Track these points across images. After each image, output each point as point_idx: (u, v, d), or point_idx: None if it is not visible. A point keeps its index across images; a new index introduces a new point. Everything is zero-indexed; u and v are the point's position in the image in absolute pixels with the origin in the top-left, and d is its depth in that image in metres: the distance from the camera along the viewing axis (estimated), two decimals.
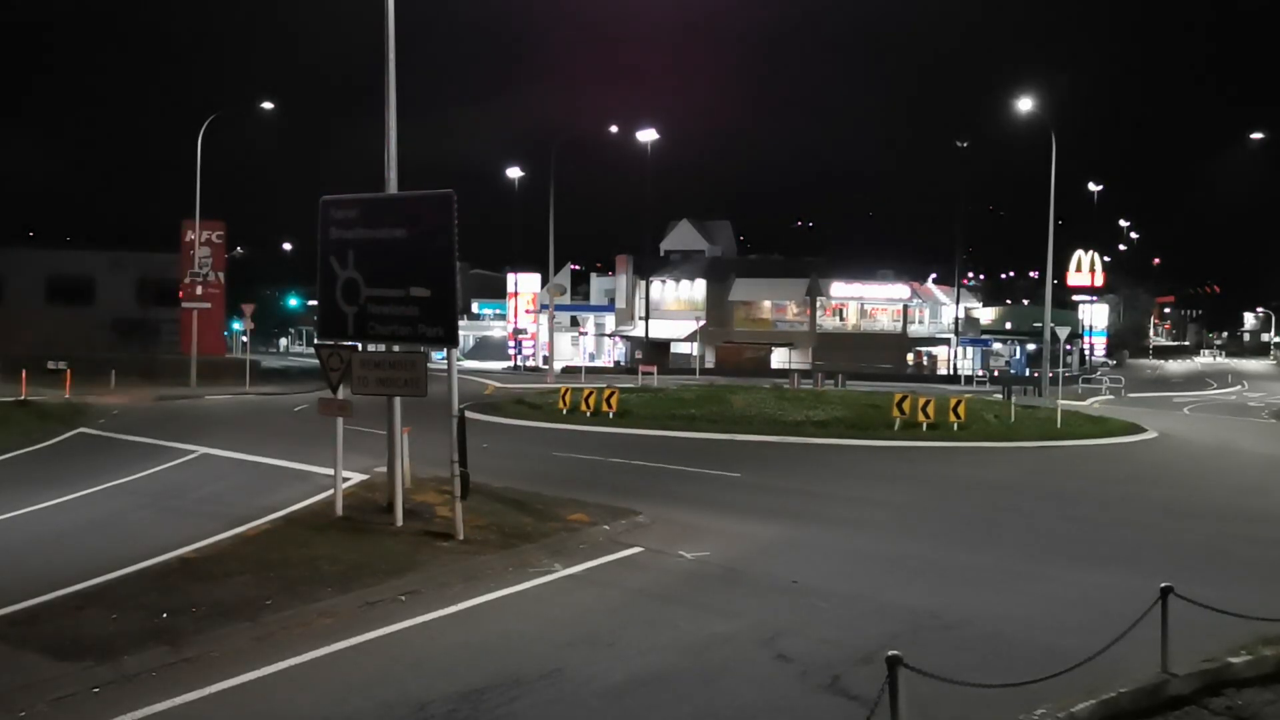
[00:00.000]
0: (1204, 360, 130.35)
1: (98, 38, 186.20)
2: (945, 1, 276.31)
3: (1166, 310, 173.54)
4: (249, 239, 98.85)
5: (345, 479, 15.63)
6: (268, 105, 51.24)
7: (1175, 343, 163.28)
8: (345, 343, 14.59)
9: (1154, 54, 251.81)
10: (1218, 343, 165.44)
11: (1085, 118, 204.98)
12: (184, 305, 48.41)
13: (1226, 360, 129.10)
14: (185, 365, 45.19)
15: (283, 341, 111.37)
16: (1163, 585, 8.34)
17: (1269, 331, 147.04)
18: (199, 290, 48.48)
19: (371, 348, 14.58)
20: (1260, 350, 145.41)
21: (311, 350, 17.14)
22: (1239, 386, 72.41)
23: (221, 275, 53.14)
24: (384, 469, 15.65)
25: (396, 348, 14.19)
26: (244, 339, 50.35)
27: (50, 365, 41.20)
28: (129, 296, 59.52)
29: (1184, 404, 51.76)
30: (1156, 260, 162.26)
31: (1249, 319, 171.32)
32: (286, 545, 12.83)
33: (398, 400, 14.57)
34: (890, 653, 6.26)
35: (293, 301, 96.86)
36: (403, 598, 10.90)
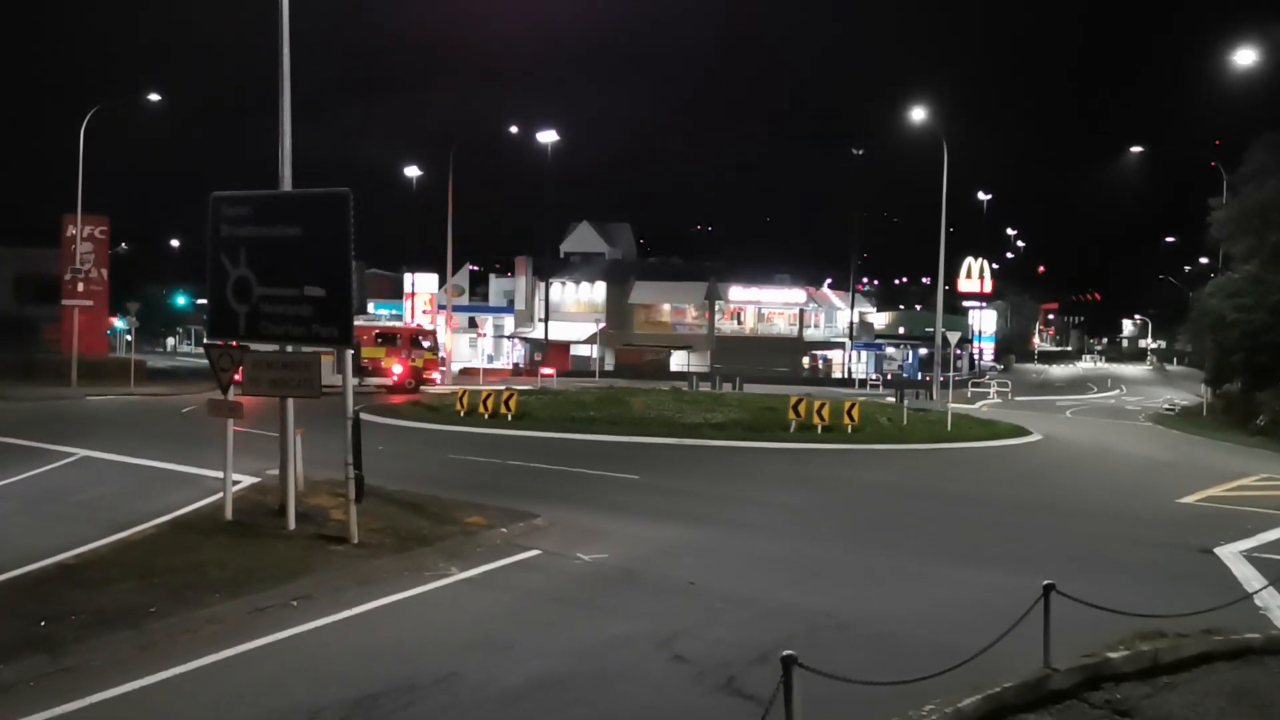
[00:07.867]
0: (1085, 365, 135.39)
1: None
2: (844, 11, 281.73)
3: (1051, 316, 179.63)
4: (135, 236, 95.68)
5: (235, 482, 15.22)
6: (154, 97, 49.67)
7: (1059, 348, 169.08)
8: (236, 342, 14.24)
9: (1039, 66, 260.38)
10: (1098, 348, 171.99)
11: (975, 127, 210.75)
12: (64, 303, 46.79)
13: (1106, 365, 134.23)
14: (65, 365, 43.57)
15: (170, 341, 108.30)
16: (1045, 583, 8.60)
17: (1146, 337, 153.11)
18: (80, 287, 46.88)
19: (264, 347, 14.26)
20: (1138, 355, 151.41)
21: (201, 350, 16.69)
22: (1118, 391, 75.22)
23: (105, 272, 51.22)
24: (276, 472, 15.31)
25: (290, 348, 13.90)
26: (128, 338, 48.67)
27: None
28: (4, 293, 57.22)
29: (1067, 408, 53.58)
30: (1041, 268, 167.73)
31: (1127, 325, 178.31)
32: (172, 550, 12.44)
33: (290, 401, 14.30)
34: (785, 653, 6.32)
35: (181, 300, 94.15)
36: (294, 603, 10.67)
